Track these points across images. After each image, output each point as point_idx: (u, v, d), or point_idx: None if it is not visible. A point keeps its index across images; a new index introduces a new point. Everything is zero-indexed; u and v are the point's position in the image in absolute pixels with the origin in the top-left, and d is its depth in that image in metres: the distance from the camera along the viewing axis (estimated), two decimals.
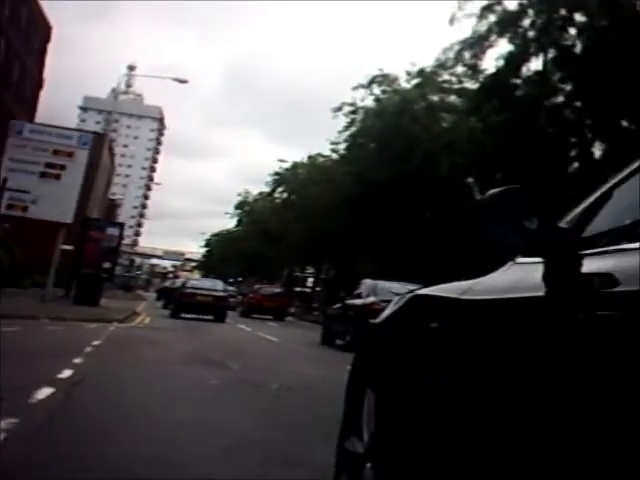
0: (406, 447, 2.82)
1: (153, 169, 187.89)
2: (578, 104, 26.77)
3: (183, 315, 31.77)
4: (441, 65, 32.67)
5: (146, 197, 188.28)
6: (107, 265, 34.55)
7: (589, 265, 2.00)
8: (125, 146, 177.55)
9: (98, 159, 41.02)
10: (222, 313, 32.23)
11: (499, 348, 2.29)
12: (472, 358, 2.43)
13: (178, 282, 50.90)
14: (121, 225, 40.13)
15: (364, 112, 40.54)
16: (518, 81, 27.97)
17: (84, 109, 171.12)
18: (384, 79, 39.62)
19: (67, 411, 6.97)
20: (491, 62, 30.83)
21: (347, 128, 42.24)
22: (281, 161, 63.77)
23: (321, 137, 60.28)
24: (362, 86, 39.90)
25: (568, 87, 26.62)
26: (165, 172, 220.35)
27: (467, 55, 30.23)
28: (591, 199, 2.38)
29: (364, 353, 3.69)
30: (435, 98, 38.18)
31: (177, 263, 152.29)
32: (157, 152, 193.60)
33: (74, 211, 31.19)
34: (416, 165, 34.66)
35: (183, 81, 44.20)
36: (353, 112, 41.55)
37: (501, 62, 27.99)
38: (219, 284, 36.47)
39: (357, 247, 44.40)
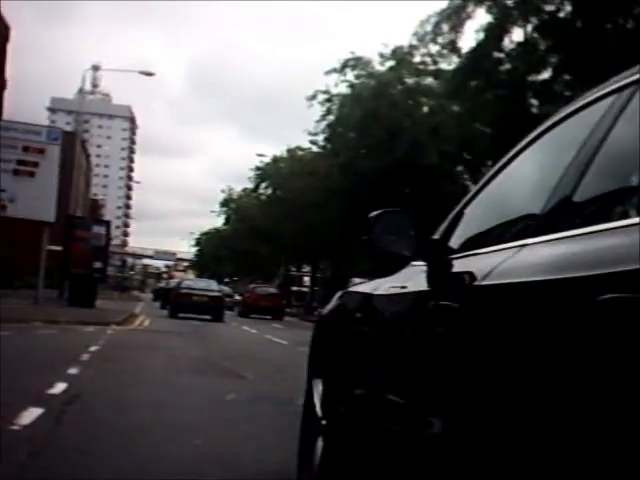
0: (345, 422, 3.61)
1: (131, 169, 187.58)
2: (567, 77, 24.91)
3: (183, 316, 32.39)
4: (420, 39, 30.87)
5: (128, 197, 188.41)
6: (98, 265, 33.64)
7: (456, 266, 2.75)
8: (99, 146, 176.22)
9: (72, 157, 39.57)
10: (219, 312, 32.67)
11: (397, 330, 3.21)
12: (382, 339, 3.36)
13: (173, 282, 51.08)
14: (107, 223, 39.24)
15: (340, 99, 39.12)
16: (501, 55, 26.28)
17: (52, 110, 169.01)
18: (357, 62, 38.14)
19: (57, 442, 5.66)
20: (471, 36, 28.98)
21: (324, 117, 41.08)
22: (260, 155, 62.54)
23: (296, 130, 58.60)
24: (335, 71, 38.46)
25: (554, 59, 24.78)
26: (143, 171, 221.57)
27: (445, 27, 28.56)
28: (450, 217, 3.16)
29: (314, 340, 4.37)
30: (411, 81, 37.06)
31: (170, 263, 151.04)
32: (132, 151, 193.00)
33: (55, 209, 29.81)
34: (403, 153, 33.29)
35: (149, 74, 43.42)
36: (328, 100, 40.34)
37: (481, 35, 26.46)
38: (213, 284, 37.06)
39: (352, 243, 42.80)
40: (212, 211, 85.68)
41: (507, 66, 25.76)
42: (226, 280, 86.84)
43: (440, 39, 28.82)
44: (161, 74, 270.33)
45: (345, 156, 37.47)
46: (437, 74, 35.31)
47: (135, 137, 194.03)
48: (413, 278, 3.09)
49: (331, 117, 40.37)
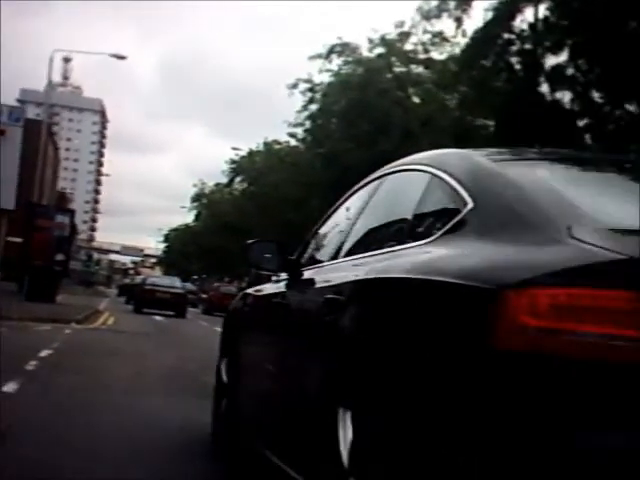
0: (237, 385, 5.28)
1: (101, 163, 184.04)
2: (581, 62, 22.77)
3: (149, 312, 32.37)
4: (424, 15, 28.72)
5: (97, 192, 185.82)
6: (60, 257, 31.10)
7: (304, 275, 4.27)
8: (69, 139, 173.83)
9: (37, 144, 36.93)
10: (182, 309, 34.29)
11: (264, 317, 4.96)
12: (257, 325, 5.11)
13: (138, 279, 51.74)
14: (71, 212, 36.09)
15: (325, 87, 36.90)
16: (512, 36, 24.19)
17: (22, 102, 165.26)
18: (344, 48, 35.73)
19: None
20: (479, 15, 26.82)
21: (305, 107, 38.72)
22: (235, 149, 60.27)
23: (271, 129, 55.91)
24: (320, 57, 36.07)
25: (570, 40, 22.56)
26: (113, 166, 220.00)
27: (452, 4, 26.35)
28: (304, 243, 4.79)
29: (224, 327, 6.12)
30: (402, 69, 34.83)
31: (137, 259, 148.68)
32: (102, 146, 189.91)
33: (15, 196, 27.11)
34: (393, 145, 31.17)
35: (121, 57, 41.09)
36: (310, 89, 37.91)
37: (490, 15, 24.39)
38: (177, 281, 38.75)
39: None
40: (182, 207, 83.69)
41: (518, 47, 23.54)
42: (194, 277, 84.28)
43: (445, 15, 26.55)
44: (134, 69, 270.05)
45: (329, 148, 35.45)
46: (428, 63, 33.54)
47: (106, 131, 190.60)
48: (272, 284, 5.06)
49: (313, 107, 38.25)
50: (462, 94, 28.42)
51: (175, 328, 23.53)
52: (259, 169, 52.13)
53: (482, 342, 2.19)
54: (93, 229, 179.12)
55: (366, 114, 32.44)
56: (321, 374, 3.20)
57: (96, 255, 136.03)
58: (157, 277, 46.15)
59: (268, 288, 5.05)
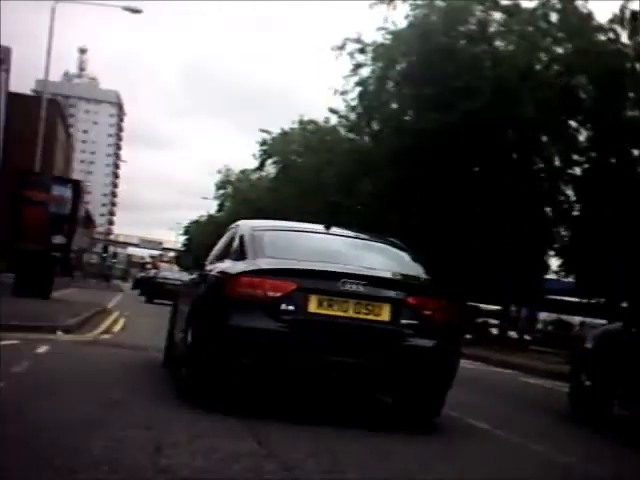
0: (172, 330, 10.96)
1: (118, 156, 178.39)
2: None
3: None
4: None
5: (115, 185, 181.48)
6: (59, 240, 24.27)
7: (198, 272, 10.14)
8: (85, 132, 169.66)
9: (37, 116, 31.11)
10: None
11: (183, 292, 10.85)
12: (181, 297, 10.74)
13: (152, 273, 54.17)
14: (76, 184, 28.17)
15: (384, 47, 30.56)
16: None
17: (37, 93, 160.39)
18: None
19: None
20: None
21: (354, 71, 32.36)
22: (264, 131, 52.54)
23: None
24: (382, 1, 29.93)
25: None
26: (130, 162, 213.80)
27: None
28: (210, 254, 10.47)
29: (173, 303, 12.21)
30: (483, 16, 28.73)
31: (155, 253, 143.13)
32: (120, 139, 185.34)
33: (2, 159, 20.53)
34: (483, 103, 25.00)
35: (136, 11, 35.90)
36: (361, 50, 31.63)
37: None
38: (186, 276, 39.15)
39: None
40: (204, 197, 78.27)
41: None
42: None
43: None
44: (153, 64, 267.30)
45: (388, 115, 29.92)
46: (514, 10, 27.96)
47: (123, 124, 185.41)
48: (190, 275, 11.01)
49: (365, 72, 32.01)
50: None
51: None
52: (295, 151, 46.61)
53: (222, 292, 7.52)
54: (111, 222, 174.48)
55: (444, 69, 26.35)
56: (188, 312, 8.50)
57: (113, 248, 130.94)
58: (168, 272, 50.46)
59: (189, 277, 10.91)
